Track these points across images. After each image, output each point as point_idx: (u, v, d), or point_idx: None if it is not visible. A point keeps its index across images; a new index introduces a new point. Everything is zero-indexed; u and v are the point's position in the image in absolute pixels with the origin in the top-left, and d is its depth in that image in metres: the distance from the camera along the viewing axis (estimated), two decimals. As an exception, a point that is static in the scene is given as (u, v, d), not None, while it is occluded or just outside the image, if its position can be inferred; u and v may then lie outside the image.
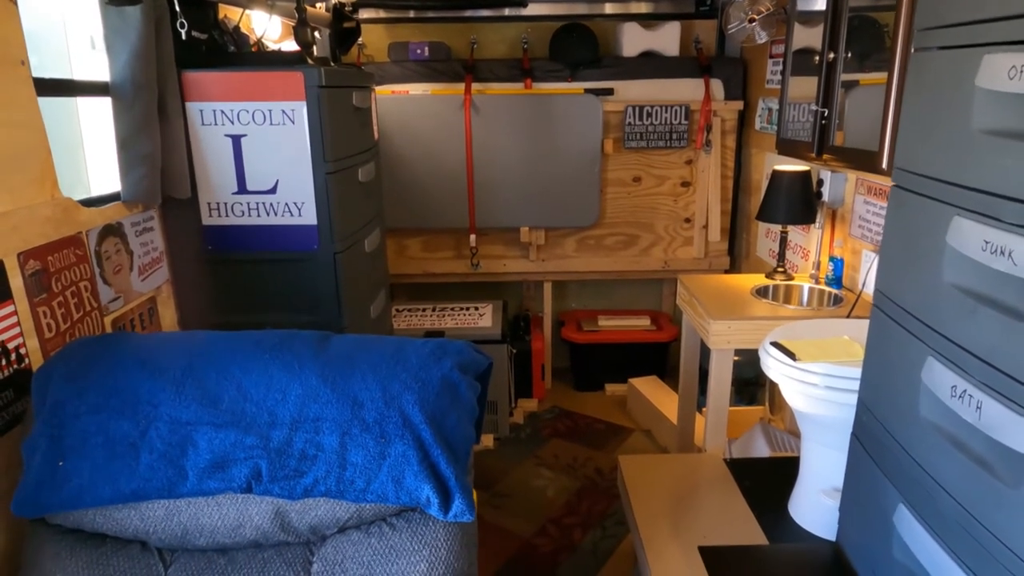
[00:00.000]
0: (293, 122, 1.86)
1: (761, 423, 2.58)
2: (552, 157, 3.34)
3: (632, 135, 3.36)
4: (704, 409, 2.39)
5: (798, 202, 2.41)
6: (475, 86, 3.29)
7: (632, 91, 3.33)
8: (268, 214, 1.93)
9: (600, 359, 3.62)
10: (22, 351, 1.39)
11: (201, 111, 1.86)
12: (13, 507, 1.18)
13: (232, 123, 1.86)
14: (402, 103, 3.28)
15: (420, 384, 1.25)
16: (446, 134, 3.31)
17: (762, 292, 2.40)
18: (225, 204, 1.93)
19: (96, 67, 1.91)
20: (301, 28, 2.11)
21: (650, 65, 3.33)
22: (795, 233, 2.72)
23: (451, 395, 1.27)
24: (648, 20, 3.37)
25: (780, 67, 2.94)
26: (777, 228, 2.60)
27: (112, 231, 1.72)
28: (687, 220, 3.53)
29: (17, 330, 1.38)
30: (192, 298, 2.02)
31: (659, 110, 3.33)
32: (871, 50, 2.05)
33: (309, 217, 1.93)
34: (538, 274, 3.61)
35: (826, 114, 2.20)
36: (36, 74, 1.45)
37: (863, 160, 2.10)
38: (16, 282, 1.38)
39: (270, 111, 1.85)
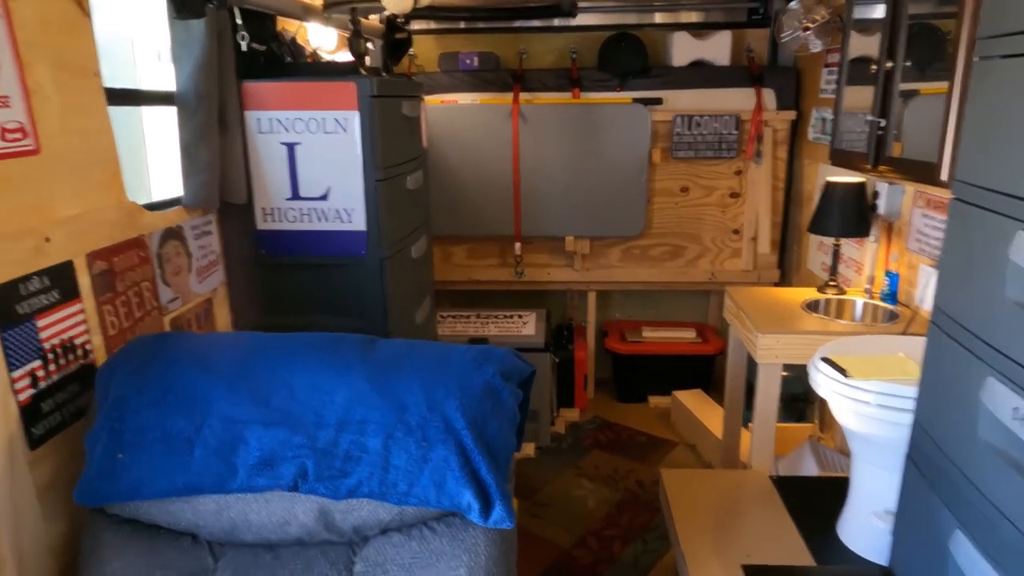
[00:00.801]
0: (345, 131, 1.91)
1: (810, 441, 2.51)
2: (599, 166, 3.33)
3: (680, 145, 3.33)
4: (750, 424, 2.34)
5: (852, 214, 2.35)
6: (523, 96, 3.32)
7: (681, 101, 3.30)
8: (319, 220, 1.98)
9: (644, 370, 3.58)
10: (88, 347, 1.46)
11: (259, 119, 1.92)
12: (76, 496, 1.24)
13: (287, 131, 1.92)
14: (451, 112, 3.33)
15: (463, 390, 1.26)
16: (494, 143, 3.34)
17: (813, 306, 2.34)
18: (279, 210, 1.99)
19: (162, 78, 2.00)
20: (355, 39, 2.16)
21: (700, 74, 3.30)
22: (849, 246, 2.65)
23: (493, 401, 1.28)
24: (698, 29, 3.34)
25: (835, 76, 2.87)
26: (830, 241, 2.54)
27: (173, 234, 1.79)
28: (735, 231, 3.48)
29: (84, 327, 1.45)
30: (245, 300, 2.08)
31: (708, 120, 3.29)
32: (931, 58, 1.99)
33: (358, 223, 1.97)
34: (582, 283, 3.60)
35: (883, 124, 2.15)
36: (106, 84, 1.52)
37: (922, 172, 2.04)
38: (84, 281, 1.45)
39: (323, 120, 1.90)
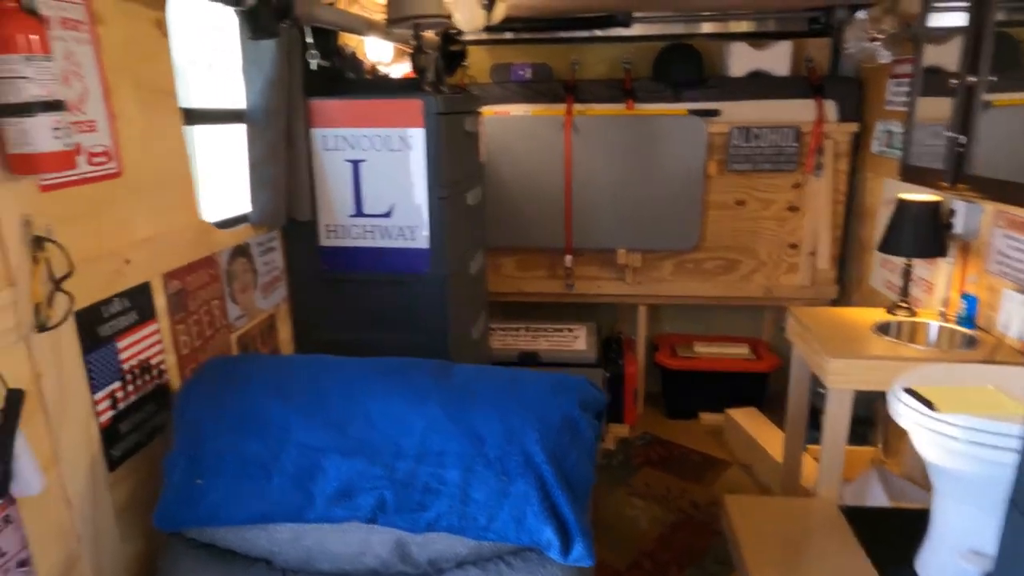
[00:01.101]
0: (410, 148, 1.90)
1: (877, 468, 2.42)
2: (652, 178, 3.28)
3: (737, 157, 3.25)
4: (811, 447, 2.26)
5: (927, 234, 2.25)
6: (576, 107, 3.28)
7: (738, 112, 3.23)
8: (382, 237, 1.98)
9: (695, 386, 3.51)
10: (162, 367, 1.47)
11: (324, 136, 1.92)
12: (155, 521, 1.24)
13: (352, 148, 1.92)
14: (503, 123, 3.31)
15: (541, 421, 1.23)
16: (546, 154, 3.31)
17: (883, 328, 2.25)
18: (342, 226, 1.98)
19: (210, 89, 2.02)
20: (418, 54, 2.16)
21: (758, 85, 3.22)
22: (920, 266, 2.54)
23: (572, 433, 1.25)
24: (757, 39, 3.26)
25: (903, 87, 2.77)
26: (898, 259, 2.44)
27: (241, 252, 1.80)
28: (792, 246, 3.38)
29: (159, 347, 1.46)
30: (306, 315, 2.09)
31: (767, 132, 3.21)
32: (1011, 67, 1.89)
33: (421, 241, 1.96)
34: (633, 297, 3.54)
35: (963, 141, 2.06)
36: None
37: (1006, 191, 1.95)
38: (160, 301, 1.46)
39: (388, 137, 1.90)
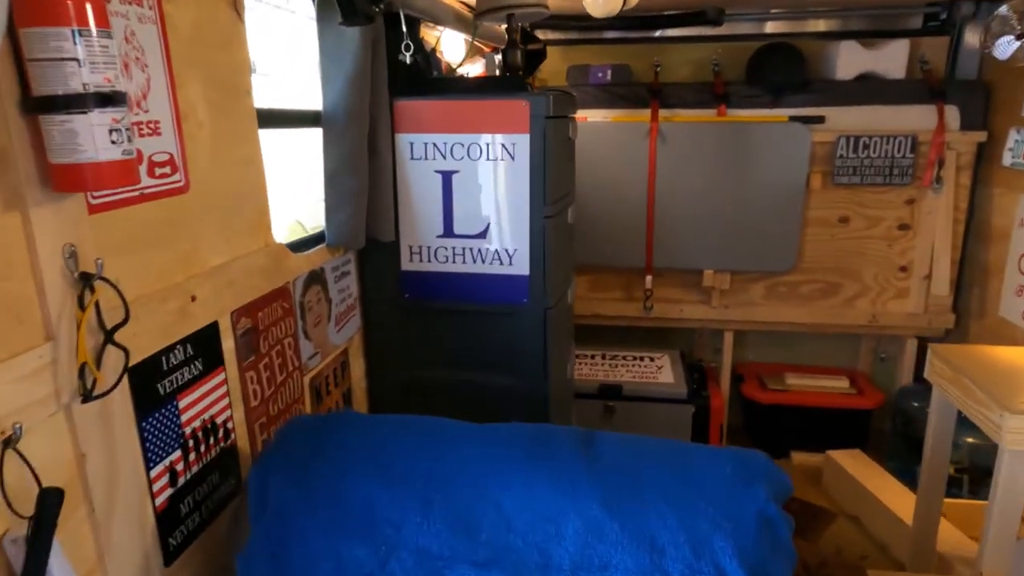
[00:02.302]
0: (513, 158, 1.60)
1: (1038, 537, 2.05)
2: (746, 192, 2.95)
3: (844, 169, 2.91)
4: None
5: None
6: (661, 112, 2.97)
7: (846, 119, 2.88)
8: (474, 261, 1.69)
9: (786, 423, 3.15)
10: (228, 424, 1.19)
11: (411, 144, 1.64)
12: (227, 643, 0.96)
13: (444, 157, 1.64)
14: (580, 131, 3.00)
15: (733, 523, 0.92)
16: (627, 164, 3.00)
17: (1057, 375, 1.89)
18: (428, 248, 1.70)
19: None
20: (511, 50, 1.87)
21: (869, 89, 2.87)
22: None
23: (771, 538, 0.94)
24: (867, 38, 2.92)
25: (1048, 92, 2.42)
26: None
27: (315, 278, 1.52)
28: (902, 268, 3.02)
29: (226, 401, 1.18)
30: (382, 350, 1.81)
31: (879, 141, 2.86)
32: None
33: (521, 266, 1.67)
34: (719, 322, 3.21)
35: None
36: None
37: None
38: (228, 344, 1.18)
39: (488, 144, 1.61)
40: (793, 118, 2.89)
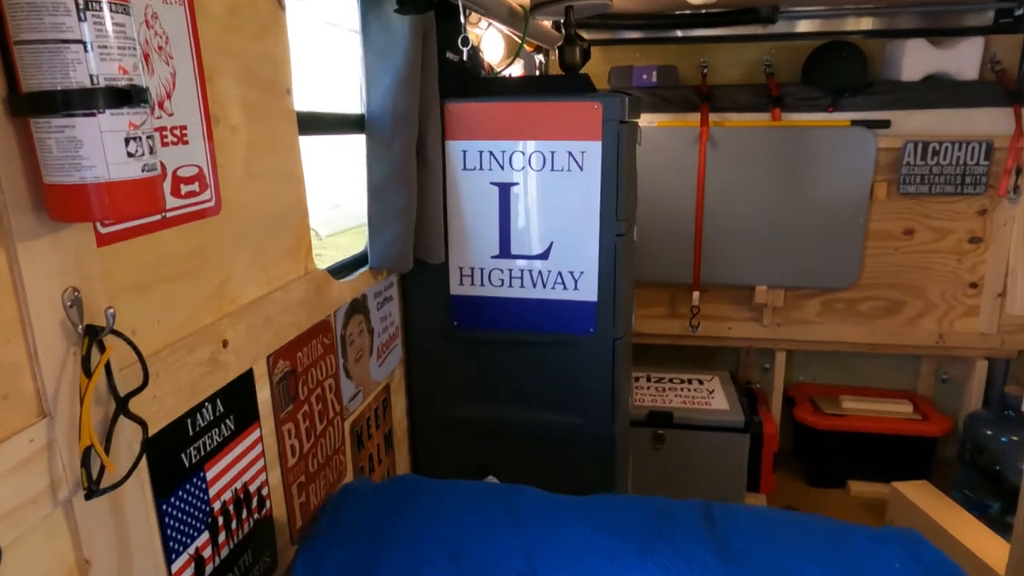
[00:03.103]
0: (581, 168, 1.40)
1: None
2: (804, 202, 2.74)
3: (911, 178, 2.69)
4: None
5: None
6: (711, 117, 2.76)
7: (913, 123, 2.67)
8: (534, 285, 1.48)
9: (843, 450, 2.92)
10: (263, 492, 0.99)
11: (464, 152, 1.44)
12: None
13: (502, 168, 1.43)
14: (624, 136, 2.80)
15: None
16: (674, 172, 2.79)
17: None
18: (481, 270, 1.50)
19: None
20: (569, 47, 1.66)
21: (938, 91, 2.65)
22: None
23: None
24: (932, 36, 2.70)
25: None
26: None
27: (357, 307, 1.32)
28: (973, 285, 2.79)
29: (261, 463, 0.98)
30: (426, 384, 1.60)
31: (949, 147, 2.64)
32: None
33: (587, 292, 1.46)
34: (770, 341, 2.99)
35: None
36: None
37: None
38: (263, 395, 0.98)
39: (552, 153, 1.41)
40: (856, 122, 2.67)
